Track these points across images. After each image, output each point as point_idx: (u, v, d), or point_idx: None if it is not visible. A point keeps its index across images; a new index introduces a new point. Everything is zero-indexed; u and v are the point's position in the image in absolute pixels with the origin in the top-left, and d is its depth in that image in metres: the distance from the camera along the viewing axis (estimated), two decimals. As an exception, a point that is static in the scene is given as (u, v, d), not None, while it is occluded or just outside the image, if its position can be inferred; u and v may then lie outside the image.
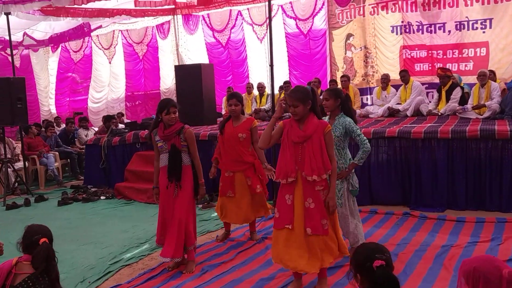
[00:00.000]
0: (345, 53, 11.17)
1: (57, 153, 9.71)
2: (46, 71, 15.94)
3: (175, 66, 10.01)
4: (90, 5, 9.13)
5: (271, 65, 6.00)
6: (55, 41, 11.16)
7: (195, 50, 13.46)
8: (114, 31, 14.47)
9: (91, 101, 15.54)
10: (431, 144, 6.12)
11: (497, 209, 5.79)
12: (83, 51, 15.59)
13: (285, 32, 11.92)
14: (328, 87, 9.67)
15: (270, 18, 5.96)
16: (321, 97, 9.67)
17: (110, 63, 15.21)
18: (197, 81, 9.12)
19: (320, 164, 3.58)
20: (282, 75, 12.17)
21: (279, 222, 3.72)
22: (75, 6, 7.81)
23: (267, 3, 6.00)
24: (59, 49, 15.90)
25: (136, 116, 14.32)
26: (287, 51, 12.07)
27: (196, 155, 4.38)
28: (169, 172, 4.31)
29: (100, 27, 12.62)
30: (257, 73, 12.65)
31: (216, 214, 5.52)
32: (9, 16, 8.46)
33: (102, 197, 7.90)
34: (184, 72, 9.49)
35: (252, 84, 11.27)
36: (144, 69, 14.64)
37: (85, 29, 10.76)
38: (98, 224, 6.31)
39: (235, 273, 4.21)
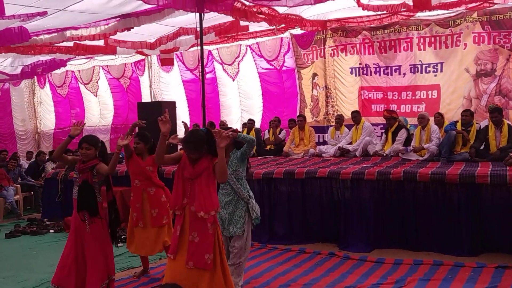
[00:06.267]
0: (312, 92, 11.44)
1: (18, 186, 9.89)
2: (29, 105, 16.39)
3: (138, 103, 10.28)
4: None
5: (203, 106, 6.21)
6: (27, 74, 11.48)
7: (172, 86, 13.81)
8: (94, 66, 14.90)
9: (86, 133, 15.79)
10: (358, 185, 6.26)
11: (423, 249, 5.85)
12: (68, 86, 16.07)
13: (259, 68, 12.23)
14: (296, 121, 9.85)
15: (202, 61, 6.20)
16: (279, 135, 9.94)
17: (96, 96, 15.63)
18: (157, 118, 9.32)
19: (208, 201, 3.70)
20: (256, 109, 12.48)
21: (169, 249, 3.89)
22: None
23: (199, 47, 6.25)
24: (47, 84, 16.43)
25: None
26: (261, 86, 12.39)
27: (109, 170, 4.39)
28: (78, 205, 4.45)
29: (73, 58, 12.88)
30: (229, 110, 12.99)
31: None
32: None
33: (51, 231, 8.01)
34: (145, 109, 9.75)
35: (213, 122, 11.47)
36: (129, 101, 14.96)
37: (56, 60, 11.03)
38: (32, 257, 6.42)
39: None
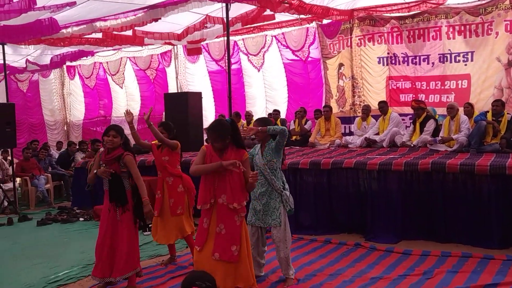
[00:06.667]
0: (338, 82, 11.34)
1: (49, 175, 10.14)
2: (57, 96, 16.74)
3: (164, 94, 10.38)
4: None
5: (229, 97, 6.22)
6: (56, 64, 11.72)
7: (198, 77, 13.87)
8: (121, 58, 15.08)
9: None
10: (386, 176, 6.19)
11: (451, 241, 5.77)
12: (95, 77, 16.32)
13: (284, 59, 12.18)
14: (322, 112, 9.82)
15: (229, 51, 6.21)
16: (305, 126, 9.91)
17: (122, 88, 15.84)
18: (183, 108, 9.44)
19: (239, 193, 3.75)
20: (281, 100, 12.45)
21: (195, 243, 3.94)
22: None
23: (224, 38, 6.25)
24: (77, 75, 16.72)
25: (143, 139, 14.61)
26: (286, 76, 12.34)
27: (137, 177, 4.49)
28: (111, 196, 4.55)
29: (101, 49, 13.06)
30: (254, 100, 13.00)
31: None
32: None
33: (81, 219, 8.20)
34: (171, 100, 9.85)
35: (239, 113, 11.50)
36: (156, 92, 15.09)
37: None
38: (62, 244, 6.59)
39: (158, 297, 4.38)
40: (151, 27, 8.68)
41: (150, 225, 6.90)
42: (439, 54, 9.51)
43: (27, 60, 11.38)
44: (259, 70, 12.76)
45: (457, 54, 9.30)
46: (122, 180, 4.52)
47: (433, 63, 9.59)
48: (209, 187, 3.79)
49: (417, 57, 9.79)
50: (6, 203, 9.11)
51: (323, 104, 11.13)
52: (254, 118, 11.27)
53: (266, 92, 12.86)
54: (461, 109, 7.86)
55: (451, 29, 9.28)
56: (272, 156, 4.42)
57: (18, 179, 10.06)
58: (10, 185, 9.56)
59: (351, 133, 10.15)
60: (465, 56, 9.20)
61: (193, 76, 13.92)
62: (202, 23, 8.93)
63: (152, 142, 5.41)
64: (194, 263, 3.93)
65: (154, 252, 5.91)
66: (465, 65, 9.22)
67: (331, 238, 6.22)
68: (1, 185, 9.04)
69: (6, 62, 10.55)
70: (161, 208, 5.23)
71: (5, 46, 9.35)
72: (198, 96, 9.98)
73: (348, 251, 5.72)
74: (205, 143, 8.32)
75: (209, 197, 3.78)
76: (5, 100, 10.35)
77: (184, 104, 9.43)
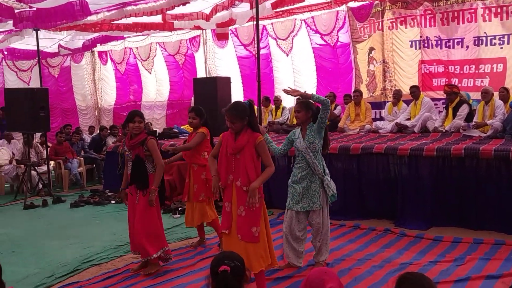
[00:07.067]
0: (368, 66, 11.16)
1: (82, 158, 10.37)
2: (89, 81, 17.02)
3: (193, 79, 10.42)
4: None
5: (258, 81, 6.20)
6: (87, 47, 11.90)
7: (226, 62, 13.85)
8: (151, 43, 15.18)
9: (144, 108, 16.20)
10: (417, 161, 6.10)
11: (483, 228, 5.66)
12: (126, 62, 16.48)
13: (313, 43, 12.06)
14: (352, 97, 9.72)
15: (258, 34, 6.17)
16: (335, 111, 9.81)
17: (150, 73, 15.97)
18: (212, 93, 9.46)
19: (253, 175, 3.79)
20: (310, 84, 12.34)
21: (221, 227, 4.01)
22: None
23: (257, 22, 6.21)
24: (109, 61, 16.93)
25: (172, 124, 14.80)
26: (315, 61, 12.21)
27: (158, 162, 4.60)
28: (132, 179, 4.64)
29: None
30: (282, 85, 12.89)
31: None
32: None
33: (112, 201, 8.37)
34: (200, 85, 9.88)
35: (268, 97, 11.45)
36: (184, 77, 15.17)
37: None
38: (95, 225, 6.77)
39: (188, 277, 4.45)
40: (180, 9, 8.66)
41: (179, 209, 7.07)
42: (473, 37, 9.22)
43: (59, 45, 11.60)
44: (287, 55, 12.65)
45: (492, 37, 9.01)
46: (145, 164, 4.59)
47: (467, 47, 9.32)
48: (225, 169, 3.89)
49: (451, 41, 9.53)
50: (40, 186, 9.38)
51: (353, 89, 10.98)
52: (283, 103, 11.26)
53: (295, 77, 12.75)
54: (496, 94, 7.65)
55: (487, 11, 8.97)
56: (314, 137, 4.41)
57: (52, 163, 10.32)
58: (44, 168, 9.82)
59: (381, 119, 10.01)
60: (501, 39, 8.91)
61: (222, 61, 13.90)
62: (231, 1, 8.87)
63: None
64: (223, 246, 4.02)
65: (184, 234, 6.00)
66: (501, 48, 8.92)
67: (360, 223, 6.19)
68: (36, 168, 9.28)
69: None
70: (188, 193, 5.36)
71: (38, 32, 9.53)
72: (227, 81, 9.97)
73: (377, 236, 5.69)
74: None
75: (225, 177, 3.88)
76: (38, 85, 10.62)
77: (213, 89, 9.44)
